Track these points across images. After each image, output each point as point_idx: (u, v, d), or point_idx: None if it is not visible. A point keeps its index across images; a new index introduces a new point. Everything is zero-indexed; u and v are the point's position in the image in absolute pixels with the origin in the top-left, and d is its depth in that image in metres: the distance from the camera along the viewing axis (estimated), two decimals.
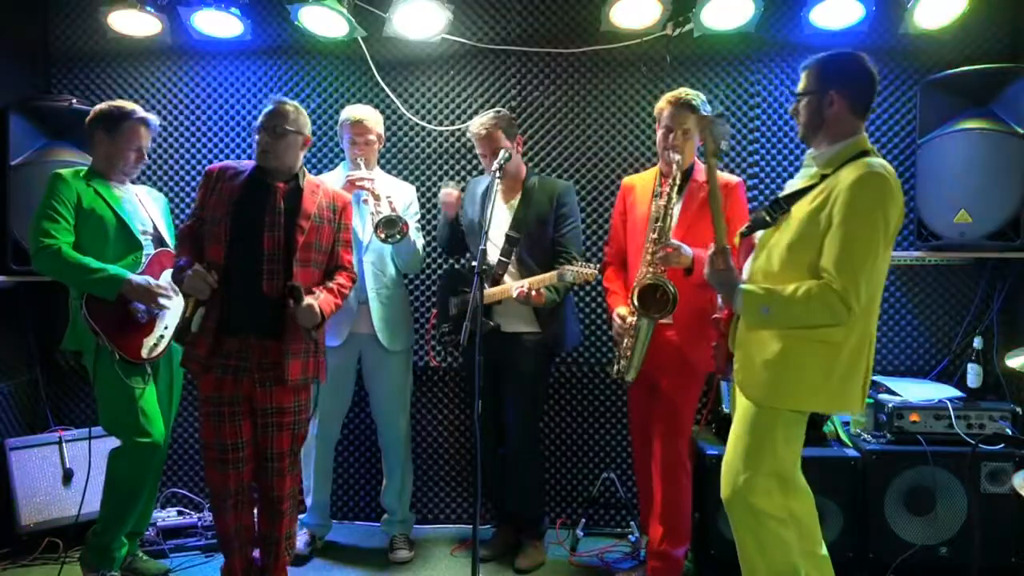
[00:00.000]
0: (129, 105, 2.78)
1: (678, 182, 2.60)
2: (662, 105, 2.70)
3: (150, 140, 2.83)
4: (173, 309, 2.75)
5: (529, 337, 2.92)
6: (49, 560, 3.03)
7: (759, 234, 2.22)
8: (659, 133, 2.72)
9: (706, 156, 2.12)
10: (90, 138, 2.78)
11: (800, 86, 2.17)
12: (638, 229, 2.74)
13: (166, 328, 2.76)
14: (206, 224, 2.53)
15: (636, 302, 2.53)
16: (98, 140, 2.75)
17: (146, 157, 2.84)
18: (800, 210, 2.07)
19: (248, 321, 2.48)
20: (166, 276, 2.76)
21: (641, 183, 2.83)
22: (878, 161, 2.02)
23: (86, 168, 2.77)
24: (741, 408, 2.17)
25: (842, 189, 1.97)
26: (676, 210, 2.67)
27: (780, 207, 2.12)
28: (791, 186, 2.20)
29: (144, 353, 2.69)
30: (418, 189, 3.34)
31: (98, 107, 2.78)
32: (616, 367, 2.70)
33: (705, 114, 2.16)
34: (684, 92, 2.66)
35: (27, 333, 3.45)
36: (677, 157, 2.60)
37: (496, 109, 2.98)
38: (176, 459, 3.58)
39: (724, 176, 2.70)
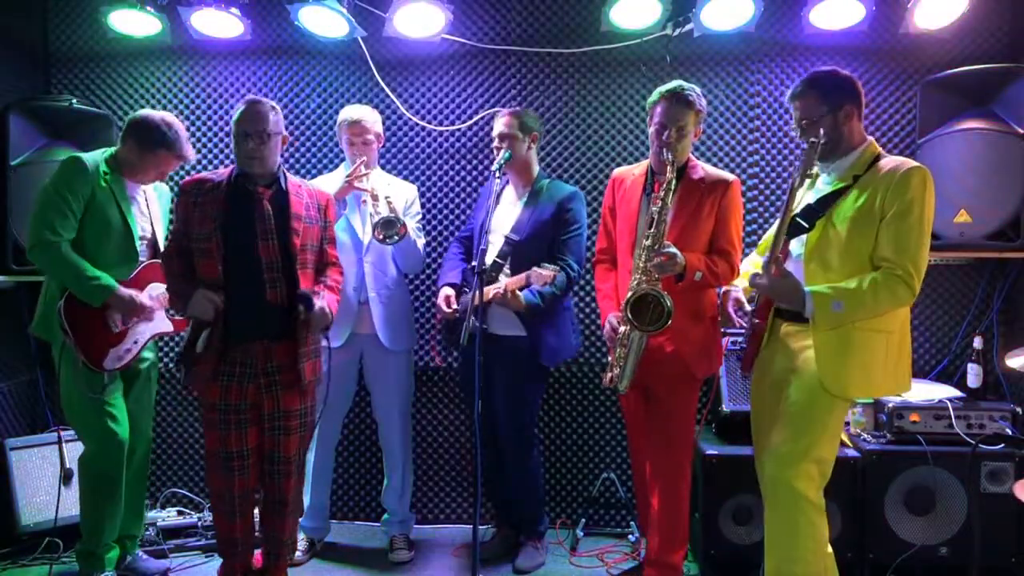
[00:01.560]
0: (174, 132, 2.68)
1: (673, 187, 2.46)
2: (655, 99, 2.57)
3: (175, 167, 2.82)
4: (150, 324, 2.73)
5: (518, 342, 2.88)
6: (49, 560, 3.03)
7: (793, 243, 2.30)
8: (651, 129, 2.59)
9: (799, 177, 2.17)
10: (123, 135, 2.70)
11: (807, 113, 2.25)
12: (627, 226, 2.67)
13: (135, 343, 2.72)
14: (192, 241, 2.48)
15: (629, 314, 2.42)
16: (128, 145, 2.68)
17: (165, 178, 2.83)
18: (845, 210, 2.18)
19: (252, 330, 2.47)
20: (151, 289, 2.74)
21: (631, 177, 2.73)
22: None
23: (110, 154, 2.70)
24: (797, 394, 2.24)
25: (893, 182, 2.12)
26: (670, 211, 2.58)
27: (816, 213, 2.23)
28: (799, 196, 2.30)
29: (107, 364, 2.65)
30: (418, 190, 3.34)
31: (145, 115, 2.68)
32: (609, 375, 2.61)
33: (814, 141, 2.16)
34: (679, 86, 2.54)
35: (27, 333, 3.44)
36: (670, 156, 2.49)
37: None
38: (176, 459, 3.58)
39: (720, 173, 2.65)
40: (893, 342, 2.22)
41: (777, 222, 2.22)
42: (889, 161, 2.21)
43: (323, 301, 2.52)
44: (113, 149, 2.74)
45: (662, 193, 2.47)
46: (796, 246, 2.31)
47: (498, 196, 2.89)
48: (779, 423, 2.28)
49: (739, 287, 2.53)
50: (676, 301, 2.39)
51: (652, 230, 2.46)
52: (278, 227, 2.49)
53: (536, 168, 3.02)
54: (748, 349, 2.43)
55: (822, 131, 2.20)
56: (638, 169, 2.74)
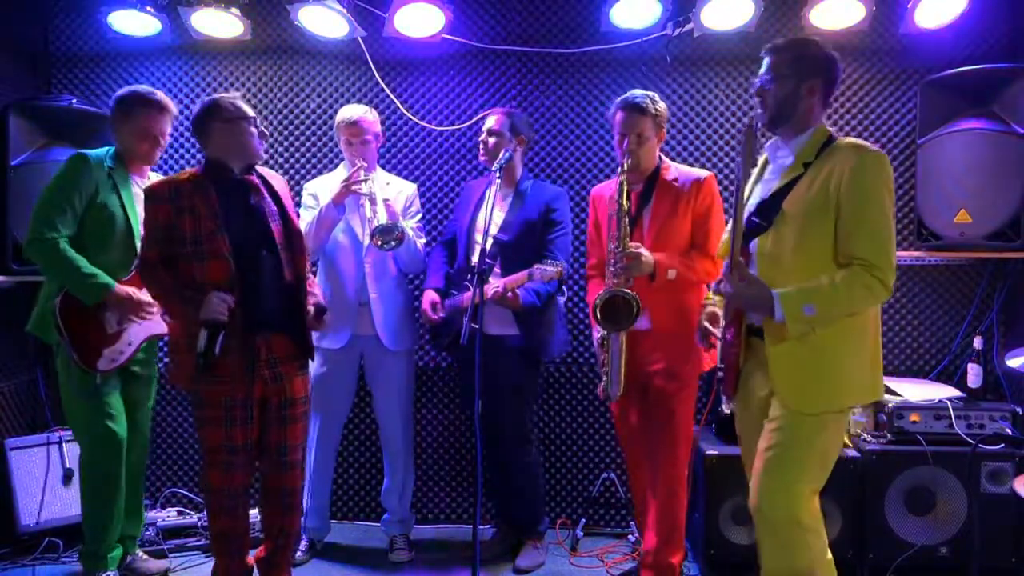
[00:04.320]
0: (144, 89, 2.73)
1: (624, 190, 2.52)
2: (613, 110, 2.66)
3: (167, 126, 2.77)
4: (145, 324, 2.72)
5: (512, 340, 2.89)
6: (49, 560, 3.04)
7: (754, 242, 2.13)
8: (615, 140, 2.67)
9: (742, 168, 2.01)
10: (112, 120, 2.74)
11: (771, 67, 2.08)
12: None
13: (129, 344, 2.71)
14: (186, 245, 2.37)
15: (598, 314, 2.46)
16: (116, 126, 2.72)
17: (162, 142, 2.76)
18: (796, 204, 2.02)
19: (257, 320, 2.43)
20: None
21: (609, 191, 2.72)
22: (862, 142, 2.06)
23: (113, 150, 2.73)
24: (777, 420, 2.04)
25: (847, 171, 1.96)
26: (647, 216, 2.63)
27: (772, 209, 2.07)
28: (747, 189, 2.16)
29: (101, 364, 2.64)
30: (417, 189, 3.33)
31: (120, 91, 2.73)
32: (601, 385, 2.63)
33: (751, 128, 2.01)
34: (633, 95, 2.62)
35: (27, 333, 3.44)
36: (629, 161, 2.56)
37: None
38: (176, 459, 3.58)
39: (693, 171, 2.68)
40: (868, 343, 2.04)
41: (731, 222, 2.06)
42: (840, 145, 2.03)
43: (326, 303, 2.61)
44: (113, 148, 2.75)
45: (618, 195, 2.52)
46: (754, 246, 2.13)
47: (483, 197, 2.91)
48: (765, 452, 2.06)
49: (715, 301, 2.35)
50: (659, 302, 2.42)
51: (616, 232, 2.51)
52: (278, 207, 2.53)
53: (520, 169, 3.04)
54: (727, 371, 2.18)
55: (769, 99, 2.07)
56: (614, 185, 2.71)
